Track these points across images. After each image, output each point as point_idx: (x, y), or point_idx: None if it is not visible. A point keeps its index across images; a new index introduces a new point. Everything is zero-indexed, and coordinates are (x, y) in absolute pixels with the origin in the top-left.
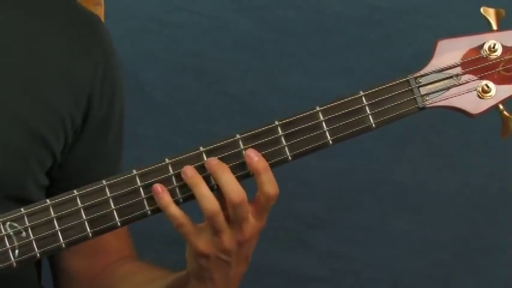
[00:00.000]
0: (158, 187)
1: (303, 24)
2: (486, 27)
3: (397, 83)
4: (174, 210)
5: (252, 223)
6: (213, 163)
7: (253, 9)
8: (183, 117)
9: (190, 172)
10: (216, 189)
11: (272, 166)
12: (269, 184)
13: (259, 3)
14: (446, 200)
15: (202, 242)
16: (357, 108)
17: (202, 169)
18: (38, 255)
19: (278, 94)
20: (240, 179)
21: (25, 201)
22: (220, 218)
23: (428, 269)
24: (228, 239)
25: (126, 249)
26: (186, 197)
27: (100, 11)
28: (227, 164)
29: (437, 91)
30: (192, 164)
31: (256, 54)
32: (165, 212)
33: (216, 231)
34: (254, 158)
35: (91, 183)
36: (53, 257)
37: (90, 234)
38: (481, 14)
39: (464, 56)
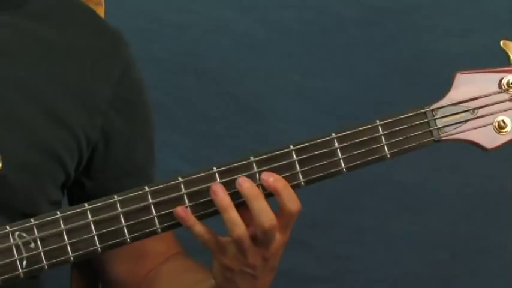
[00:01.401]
0: (181, 211)
1: (303, 24)
2: (484, 28)
3: (414, 115)
4: (199, 228)
5: (277, 239)
6: (246, 186)
7: (253, 9)
8: (183, 117)
9: (221, 193)
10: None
11: None
12: (291, 201)
13: (259, 3)
14: (446, 200)
15: (228, 258)
16: (372, 138)
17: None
18: (46, 267)
19: (278, 94)
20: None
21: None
22: (247, 241)
23: (428, 269)
24: (252, 255)
25: (169, 249)
26: (198, 216)
27: (100, 11)
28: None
29: (454, 124)
30: (205, 184)
31: (256, 54)
32: (192, 231)
33: (241, 251)
34: (270, 178)
35: (102, 198)
36: (97, 265)
37: (99, 249)
38: (501, 47)
39: (482, 90)
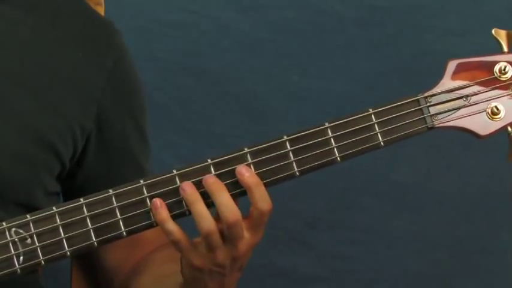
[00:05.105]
0: (157, 201)
1: (303, 24)
2: (484, 28)
3: (407, 102)
4: (171, 226)
5: (246, 239)
6: (210, 181)
7: (253, 9)
8: (183, 117)
9: (188, 189)
10: (213, 206)
11: (279, 181)
12: (262, 200)
13: (259, 3)
14: (446, 200)
15: (197, 257)
16: (365, 126)
17: (201, 184)
18: (43, 262)
19: (278, 94)
20: (245, 192)
21: (33, 208)
22: (216, 236)
23: (428, 269)
24: (222, 254)
25: (162, 237)
26: None
27: (100, 11)
28: (234, 177)
29: (447, 111)
30: (200, 176)
31: (256, 54)
32: (162, 228)
33: (211, 249)
34: (245, 173)
35: (98, 192)
36: (91, 255)
37: (95, 243)
38: (492, 35)
39: (475, 77)
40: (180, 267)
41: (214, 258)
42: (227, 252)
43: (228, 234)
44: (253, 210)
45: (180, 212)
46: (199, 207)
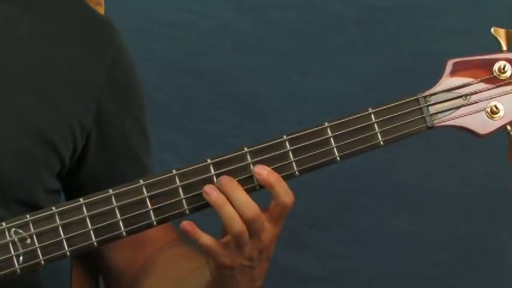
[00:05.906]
0: (187, 225)
1: (303, 24)
2: (484, 28)
3: (406, 101)
4: (204, 239)
5: (269, 230)
6: (224, 182)
7: (253, 9)
8: (183, 117)
9: (213, 193)
10: None
11: None
12: (284, 194)
13: (259, 3)
14: (446, 200)
15: (227, 257)
16: (365, 126)
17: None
18: (43, 262)
19: (278, 94)
20: (247, 191)
21: (33, 206)
22: (246, 234)
23: (428, 269)
24: (249, 249)
25: (166, 235)
26: (193, 208)
27: (100, 11)
28: (234, 177)
29: (446, 110)
30: (200, 176)
31: (256, 54)
32: (198, 243)
33: (240, 246)
34: (263, 172)
35: (97, 192)
36: (96, 256)
37: (95, 243)
38: (492, 34)
39: (474, 76)
40: (206, 267)
41: (242, 254)
42: (253, 245)
43: (250, 229)
44: (275, 205)
45: (180, 212)
46: (229, 210)
